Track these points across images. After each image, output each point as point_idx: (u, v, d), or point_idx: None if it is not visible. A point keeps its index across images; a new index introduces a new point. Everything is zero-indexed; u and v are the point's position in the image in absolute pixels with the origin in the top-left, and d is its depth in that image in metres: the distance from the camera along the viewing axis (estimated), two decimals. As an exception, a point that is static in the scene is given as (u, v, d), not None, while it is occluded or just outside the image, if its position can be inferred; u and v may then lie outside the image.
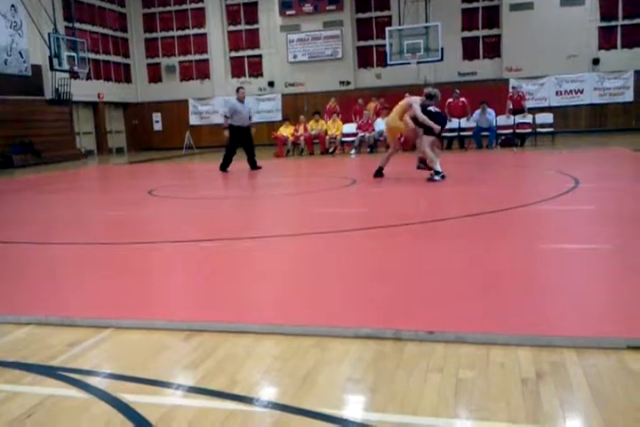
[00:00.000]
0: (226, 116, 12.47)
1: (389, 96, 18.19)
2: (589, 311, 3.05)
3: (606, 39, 20.31)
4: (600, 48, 20.38)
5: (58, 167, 16.68)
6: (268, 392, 2.35)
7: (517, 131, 16.14)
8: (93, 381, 2.49)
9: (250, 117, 12.81)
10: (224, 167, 12.54)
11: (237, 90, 12.87)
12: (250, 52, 23.71)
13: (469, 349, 2.63)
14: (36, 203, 8.97)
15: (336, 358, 2.63)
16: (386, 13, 22.04)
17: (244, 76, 23.87)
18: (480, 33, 21.47)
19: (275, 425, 2.07)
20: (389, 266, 4.16)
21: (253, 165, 12.70)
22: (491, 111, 16.01)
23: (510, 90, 17.61)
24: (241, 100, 12.53)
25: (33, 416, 2.20)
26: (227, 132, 12.37)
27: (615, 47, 20.32)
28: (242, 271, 4.19)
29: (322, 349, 2.72)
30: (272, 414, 2.15)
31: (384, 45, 19.82)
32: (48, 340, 2.99)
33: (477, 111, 16.15)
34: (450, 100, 16.88)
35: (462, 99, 16.86)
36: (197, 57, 24.22)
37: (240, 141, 12.51)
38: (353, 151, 16.35)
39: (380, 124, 16.40)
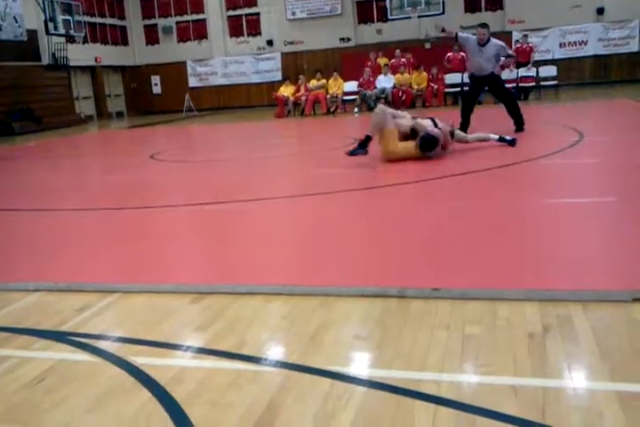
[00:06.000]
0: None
1: (390, 51, 17.91)
2: (595, 265, 3.05)
3: (612, -13, 19.75)
4: (605, -4, 19.85)
5: (58, 133, 16.57)
6: (276, 352, 2.38)
7: (521, 84, 15.91)
8: (103, 345, 2.52)
9: (500, 66, 9.38)
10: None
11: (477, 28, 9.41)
12: (247, 11, 23.20)
13: (475, 305, 2.64)
14: (39, 169, 8.93)
15: (342, 316, 2.65)
16: (385, -34, 21.47)
17: (243, 35, 23.41)
18: (482, -16, 20.90)
19: (283, 384, 2.09)
20: (393, 224, 4.16)
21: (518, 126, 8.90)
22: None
23: (519, 41, 17.18)
24: (479, 42, 9.10)
25: (45, 381, 2.24)
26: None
27: (621, -5, 19.78)
28: (246, 234, 4.19)
29: (328, 308, 2.74)
30: (280, 373, 2.18)
31: (384, 0, 19.38)
32: (57, 306, 3.02)
33: None
34: (449, 53, 16.55)
35: (462, 53, 16.58)
36: (194, 17, 23.69)
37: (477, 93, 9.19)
38: (356, 110, 16.23)
39: (383, 82, 16.21)
